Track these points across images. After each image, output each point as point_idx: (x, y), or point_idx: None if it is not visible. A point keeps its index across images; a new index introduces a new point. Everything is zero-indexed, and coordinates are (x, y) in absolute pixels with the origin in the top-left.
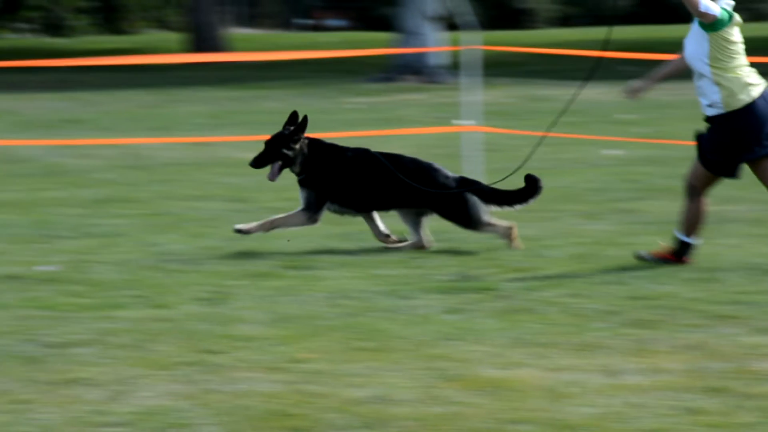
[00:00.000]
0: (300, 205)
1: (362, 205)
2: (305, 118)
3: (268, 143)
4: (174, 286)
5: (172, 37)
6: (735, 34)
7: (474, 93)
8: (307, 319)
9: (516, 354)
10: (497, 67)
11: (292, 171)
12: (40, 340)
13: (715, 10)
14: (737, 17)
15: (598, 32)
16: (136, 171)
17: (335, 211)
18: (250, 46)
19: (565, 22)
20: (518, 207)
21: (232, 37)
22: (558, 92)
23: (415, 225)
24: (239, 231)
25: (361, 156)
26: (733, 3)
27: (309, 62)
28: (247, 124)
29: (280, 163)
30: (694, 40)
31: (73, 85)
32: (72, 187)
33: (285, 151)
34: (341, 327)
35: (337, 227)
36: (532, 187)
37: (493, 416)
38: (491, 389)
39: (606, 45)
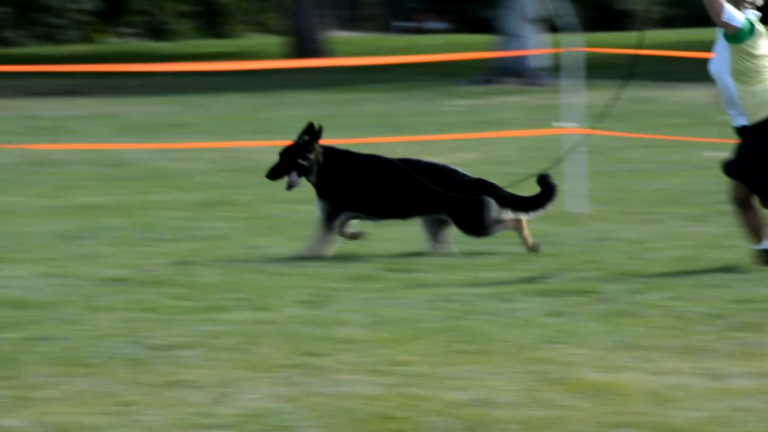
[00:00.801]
0: (317, 214)
1: (381, 213)
2: (320, 127)
3: (282, 154)
4: (276, 289)
5: (273, 40)
6: (760, 47)
7: (575, 95)
8: (408, 321)
9: (619, 357)
10: (598, 69)
11: (309, 180)
12: (144, 343)
13: (739, 20)
14: (761, 29)
15: (700, 33)
16: (239, 174)
17: (356, 218)
18: (351, 49)
19: (667, 23)
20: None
21: (333, 40)
22: (660, 94)
23: (435, 235)
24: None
25: (377, 163)
26: (760, 14)
27: (410, 65)
28: (348, 127)
29: (295, 173)
30: (719, 51)
31: (177, 88)
32: (175, 190)
33: (300, 161)
34: (443, 330)
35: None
36: (547, 192)
37: (597, 420)
38: (594, 392)
39: (640, 45)
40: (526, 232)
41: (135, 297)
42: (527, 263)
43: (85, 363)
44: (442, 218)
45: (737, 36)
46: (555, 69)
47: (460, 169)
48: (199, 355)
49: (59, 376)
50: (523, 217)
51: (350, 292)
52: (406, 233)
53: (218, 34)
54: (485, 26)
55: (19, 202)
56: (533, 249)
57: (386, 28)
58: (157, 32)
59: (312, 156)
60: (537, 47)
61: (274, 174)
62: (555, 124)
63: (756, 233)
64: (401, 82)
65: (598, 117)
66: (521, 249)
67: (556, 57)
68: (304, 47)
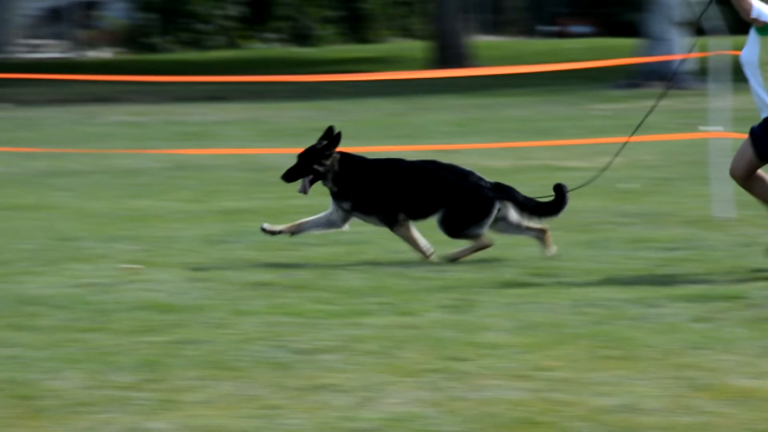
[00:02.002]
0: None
1: (408, 216)
2: (339, 133)
3: (300, 157)
4: (420, 294)
5: (416, 45)
6: None
7: (722, 99)
8: (552, 326)
9: (767, 363)
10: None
11: (325, 185)
12: (288, 347)
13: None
14: None
15: None
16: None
17: (369, 222)
18: (494, 53)
19: None
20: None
21: (477, 44)
22: None
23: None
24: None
25: (394, 167)
26: None
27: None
28: (493, 131)
29: (311, 177)
30: (749, 44)
31: (320, 93)
32: (319, 195)
33: (316, 166)
34: (587, 335)
35: (582, 234)
36: (560, 198)
37: (744, 427)
38: (742, 399)
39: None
40: (548, 241)
41: (279, 301)
42: (672, 268)
43: (230, 366)
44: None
45: (766, 29)
46: (701, 72)
47: (477, 173)
48: (343, 359)
49: (205, 379)
50: (538, 223)
51: (493, 297)
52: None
53: (362, 39)
54: (630, 30)
55: (165, 207)
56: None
57: (530, 32)
58: (301, 37)
59: (328, 162)
60: (683, 51)
61: (289, 176)
62: (701, 128)
63: None
64: (545, 86)
65: (634, 131)
66: (666, 255)
67: (702, 60)
68: (448, 52)
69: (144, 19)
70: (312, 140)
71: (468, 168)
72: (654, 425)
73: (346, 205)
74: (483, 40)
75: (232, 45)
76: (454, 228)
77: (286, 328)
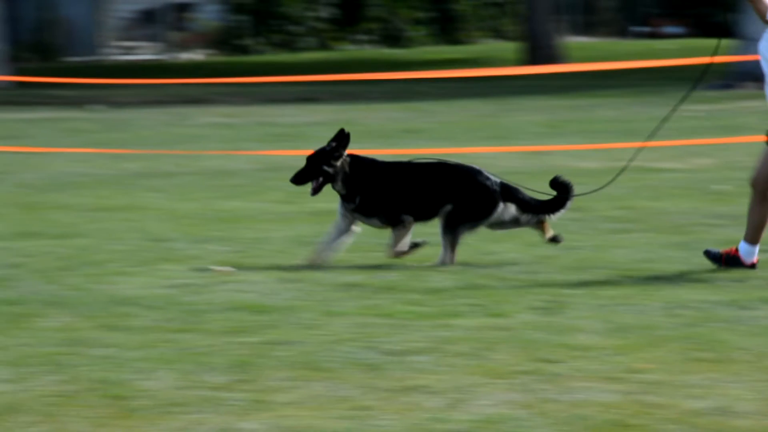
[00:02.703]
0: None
1: (414, 218)
2: (347, 134)
3: (309, 159)
4: (510, 295)
5: (507, 46)
6: None
7: None
8: (644, 328)
9: None
10: None
11: (334, 188)
12: (379, 348)
13: None
14: None
15: None
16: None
17: (378, 226)
18: (585, 54)
19: None
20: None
21: (568, 45)
22: None
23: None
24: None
25: (403, 168)
26: None
27: (646, 70)
28: (584, 132)
29: (321, 179)
30: (764, 45)
31: (411, 95)
32: None
33: (326, 167)
34: (679, 337)
35: (674, 236)
36: (564, 192)
37: None
38: None
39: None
40: (547, 227)
41: (370, 302)
42: (766, 270)
43: (321, 367)
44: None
45: None
46: None
47: (486, 171)
48: (434, 360)
49: (296, 380)
50: (548, 219)
51: (585, 299)
52: (640, 240)
53: (453, 41)
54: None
55: (256, 208)
56: (554, 240)
57: (622, 33)
58: (392, 39)
59: (338, 163)
60: None
61: (299, 179)
62: None
63: (757, 230)
64: (636, 87)
65: (650, 135)
66: (759, 257)
67: None
68: (539, 53)
69: (236, 21)
70: (403, 141)
71: (477, 166)
72: (747, 428)
73: (351, 206)
74: (574, 41)
75: (323, 47)
76: (452, 223)
77: (377, 329)
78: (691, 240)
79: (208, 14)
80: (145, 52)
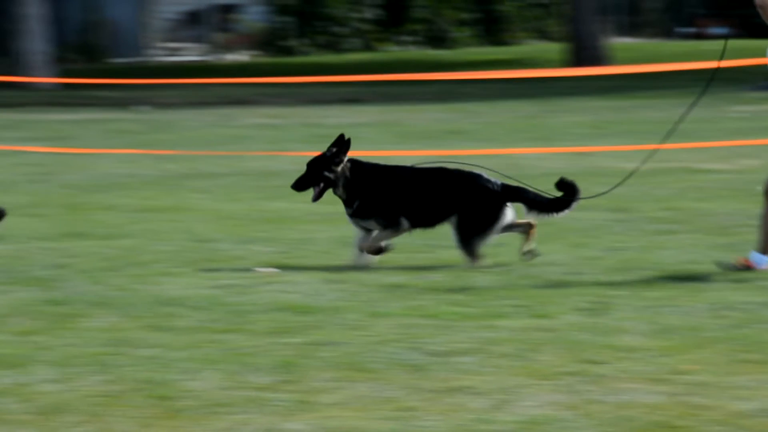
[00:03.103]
0: (377, 228)
1: (413, 222)
2: (348, 140)
3: (309, 165)
4: (555, 296)
5: (552, 47)
6: None
7: None
8: (689, 330)
9: None
10: None
11: (336, 194)
12: (423, 349)
13: None
14: None
15: None
16: (517, 181)
17: (369, 227)
18: (631, 55)
19: None
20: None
21: (613, 46)
22: None
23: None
24: (362, 250)
25: (404, 173)
26: None
27: (691, 71)
28: (629, 133)
29: (322, 185)
30: None
31: (455, 96)
32: None
33: (326, 173)
34: (725, 339)
35: (719, 237)
36: (570, 193)
37: None
38: None
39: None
40: (532, 237)
41: (414, 303)
42: None
43: (365, 368)
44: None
45: None
46: None
47: (485, 175)
48: (479, 361)
49: (340, 380)
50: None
51: (630, 300)
52: (686, 241)
53: (497, 42)
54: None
55: (301, 209)
56: (528, 254)
57: (668, 33)
58: (436, 40)
59: (338, 169)
60: None
61: (300, 185)
62: None
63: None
64: (682, 89)
65: (664, 138)
66: None
67: None
68: (584, 54)
69: (281, 23)
70: (448, 142)
71: (477, 171)
72: None
73: (350, 211)
74: (619, 42)
75: (367, 48)
76: (466, 236)
77: (421, 330)
78: (736, 241)
79: (253, 15)
80: (190, 54)
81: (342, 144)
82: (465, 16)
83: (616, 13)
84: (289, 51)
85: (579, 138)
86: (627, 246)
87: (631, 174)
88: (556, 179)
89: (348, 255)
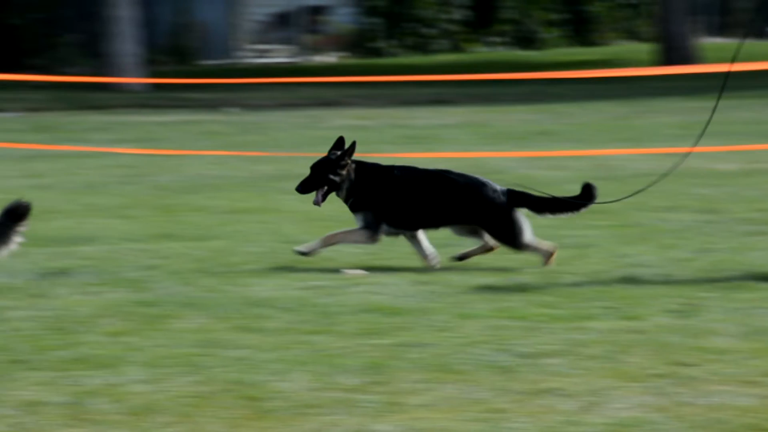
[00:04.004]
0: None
1: (413, 224)
2: (353, 143)
3: (314, 168)
4: (644, 298)
5: (642, 47)
6: None
7: None
8: None
9: None
10: None
11: (338, 196)
12: (512, 350)
13: None
14: None
15: None
16: (607, 182)
17: (387, 233)
18: (721, 55)
19: None
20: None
21: (703, 46)
22: None
23: (473, 236)
24: (302, 253)
25: (409, 174)
26: None
27: None
28: (720, 134)
29: (326, 188)
30: None
31: (544, 97)
32: None
33: (331, 176)
34: None
35: None
36: (587, 194)
37: None
38: None
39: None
40: (551, 265)
41: (503, 304)
42: None
43: (454, 370)
44: (474, 228)
45: None
46: None
47: (491, 182)
48: (568, 363)
49: (429, 382)
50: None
51: (720, 302)
52: None
53: (586, 42)
54: None
55: None
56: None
57: (759, 34)
58: (525, 41)
59: (343, 172)
60: None
61: (304, 188)
62: None
63: None
64: None
65: (696, 140)
66: None
67: None
68: (674, 54)
69: (369, 24)
70: (537, 143)
71: (483, 177)
72: None
73: (368, 217)
74: (710, 42)
75: (456, 49)
76: (514, 239)
77: (510, 331)
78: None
79: (342, 17)
80: (279, 55)
81: (344, 146)
82: (554, 16)
83: (707, 12)
84: (377, 52)
85: (669, 139)
86: (717, 247)
87: (657, 180)
88: (643, 180)
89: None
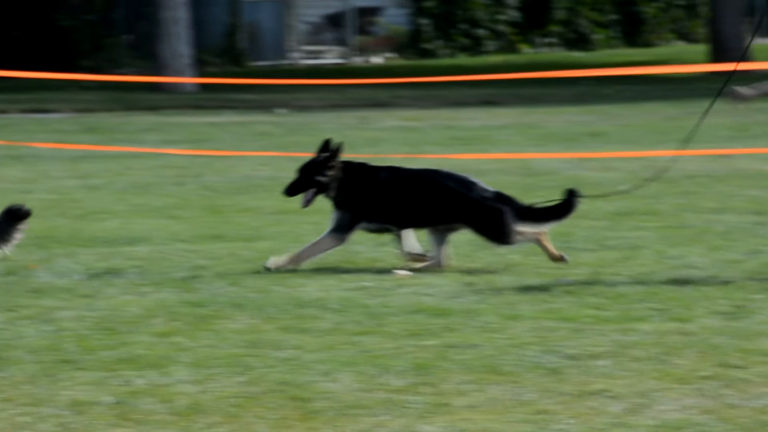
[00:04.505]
0: (329, 226)
1: (401, 222)
2: (340, 144)
3: (301, 170)
4: (693, 299)
5: (694, 48)
6: None
7: None
8: None
9: None
10: None
11: (327, 196)
12: (559, 352)
13: None
14: None
15: None
16: (658, 184)
17: (373, 231)
18: None
19: None
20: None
21: (757, 47)
22: None
23: (440, 242)
24: (268, 269)
25: (396, 174)
26: None
27: None
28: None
29: (314, 190)
30: None
31: (593, 98)
32: (592, 199)
33: (319, 178)
34: None
35: None
36: (568, 203)
37: None
38: None
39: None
40: (547, 243)
41: (551, 306)
42: None
43: (501, 371)
44: (456, 227)
45: None
46: None
47: (480, 182)
48: (615, 364)
49: (476, 383)
50: (544, 228)
51: None
52: None
53: (637, 43)
54: None
55: None
56: (558, 260)
57: None
58: (575, 42)
59: (331, 173)
60: None
61: (292, 190)
62: None
63: None
64: None
65: (684, 142)
66: None
67: None
68: (726, 55)
69: (420, 25)
70: (586, 144)
71: (472, 177)
72: None
73: (344, 218)
74: (764, 43)
75: (507, 50)
76: (504, 234)
77: (557, 332)
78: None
79: (393, 18)
80: (331, 56)
81: (330, 149)
82: (605, 17)
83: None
84: (428, 53)
85: (721, 140)
86: (767, 249)
87: (635, 187)
88: (693, 181)
89: (484, 257)
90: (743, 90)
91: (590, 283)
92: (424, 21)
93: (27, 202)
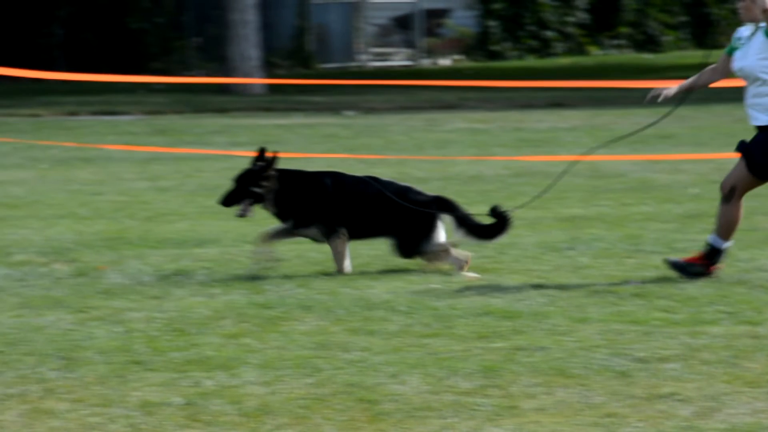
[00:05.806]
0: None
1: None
2: (275, 154)
3: (237, 180)
4: (764, 303)
5: None
6: None
7: None
8: None
9: None
10: None
11: (265, 208)
12: (629, 355)
13: None
14: None
15: None
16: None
17: (312, 237)
18: None
19: None
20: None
21: None
22: None
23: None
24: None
25: (336, 181)
26: None
27: None
28: None
29: (250, 200)
30: (755, 52)
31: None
32: (662, 202)
33: (254, 189)
34: None
35: None
36: (501, 224)
37: None
38: None
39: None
40: (467, 273)
41: (619, 309)
42: None
43: (569, 374)
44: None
45: None
46: None
47: (417, 188)
48: (685, 368)
49: (544, 386)
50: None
51: None
52: None
53: (707, 46)
54: None
55: None
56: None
57: None
58: (644, 44)
59: (268, 183)
60: None
61: (228, 201)
62: None
63: (726, 230)
64: None
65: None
66: None
67: None
68: None
69: (489, 27)
70: (655, 146)
71: (406, 183)
72: None
73: (289, 224)
74: None
75: (576, 52)
76: (406, 249)
77: (626, 335)
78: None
79: (461, 20)
80: (399, 59)
81: (266, 158)
82: (674, 19)
83: None
84: (496, 55)
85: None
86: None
87: (545, 190)
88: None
89: (553, 260)
90: (665, 90)
91: (659, 285)
92: (492, 23)
93: (97, 203)
